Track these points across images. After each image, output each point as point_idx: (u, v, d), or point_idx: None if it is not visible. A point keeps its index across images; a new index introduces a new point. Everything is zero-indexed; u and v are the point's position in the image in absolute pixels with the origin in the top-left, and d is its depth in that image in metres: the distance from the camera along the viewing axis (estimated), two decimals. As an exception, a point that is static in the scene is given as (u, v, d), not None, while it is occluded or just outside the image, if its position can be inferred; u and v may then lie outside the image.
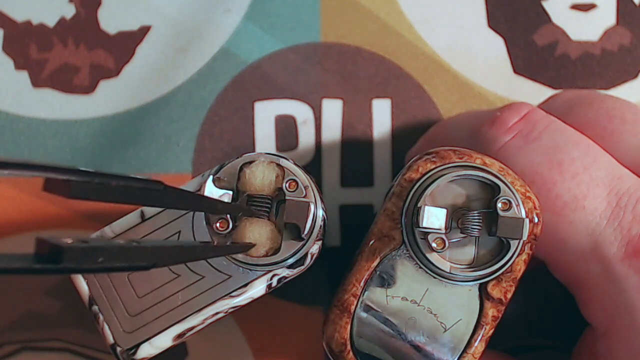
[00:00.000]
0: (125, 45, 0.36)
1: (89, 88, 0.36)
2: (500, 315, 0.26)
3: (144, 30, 0.36)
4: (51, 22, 0.36)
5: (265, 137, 0.36)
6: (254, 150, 0.35)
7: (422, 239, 0.25)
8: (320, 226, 0.26)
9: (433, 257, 0.25)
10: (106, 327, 0.26)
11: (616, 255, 0.26)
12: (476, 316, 0.26)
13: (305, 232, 0.25)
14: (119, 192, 0.19)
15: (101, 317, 0.26)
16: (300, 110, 0.36)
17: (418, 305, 0.26)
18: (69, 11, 0.36)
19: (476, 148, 0.27)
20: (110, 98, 0.36)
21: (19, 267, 0.17)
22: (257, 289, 0.26)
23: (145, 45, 0.36)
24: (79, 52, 0.36)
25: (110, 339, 0.26)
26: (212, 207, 0.24)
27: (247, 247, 0.25)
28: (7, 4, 0.36)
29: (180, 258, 0.21)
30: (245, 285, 0.26)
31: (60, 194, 0.19)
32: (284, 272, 0.26)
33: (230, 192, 0.25)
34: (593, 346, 0.28)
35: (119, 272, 0.20)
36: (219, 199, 0.25)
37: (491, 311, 0.26)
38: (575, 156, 0.26)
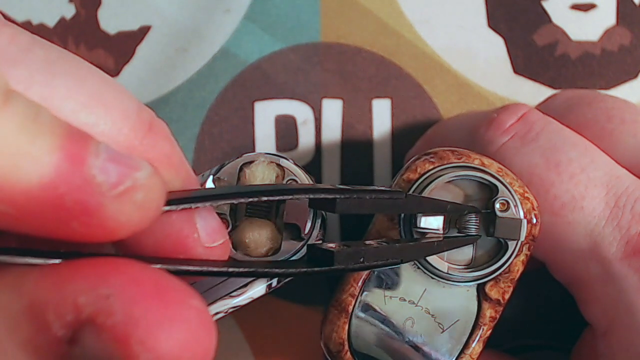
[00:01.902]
0: (125, 45, 0.36)
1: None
2: (498, 316, 0.26)
3: (144, 30, 0.36)
4: (51, 22, 0.36)
5: (265, 137, 0.36)
6: (254, 150, 0.35)
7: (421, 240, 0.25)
8: (320, 226, 0.26)
9: (431, 257, 0.25)
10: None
11: (615, 255, 0.26)
12: (474, 317, 0.26)
13: (305, 232, 0.25)
14: (372, 204, 0.22)
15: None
16: (300, 110, 0.36)
17: (416, 306, 0.26)
18: (69, 11, 0.36)
19: (474, 149, 0.27)
20: (110, 98, 0.36)
21: (303, 271, 0.21)
22: (257, 289, 0.26)
23: (145, 45, 0.36)
24: (79, 52, 0.36)
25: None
26: (443, 208, 0.25)
27: (475, 239, 0.26)
28: (7, 4, 0.36)
29: (421, 253, 0.24)
30: (245, 285, 0.26)
31: (327, 210, 0.22)
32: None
33: (231, 192, 0.25)
34: (593, 346, 0.28)
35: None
36: (445, 200, 0.26)
37: (489, 312, 0.26)
38: (573, 157, 0.26)
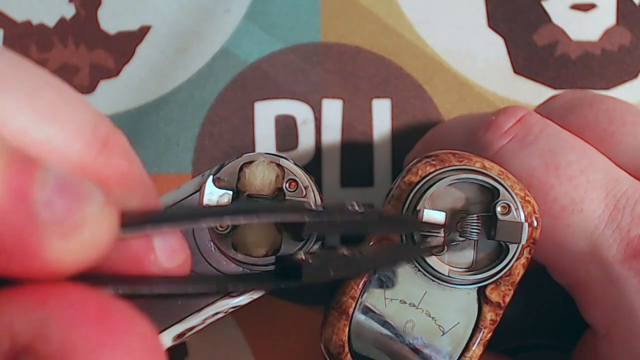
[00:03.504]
0: (125, 45, 0.36)
1: (89, 88, 0.36)
2: (498, 319, 0.26)
3: (144, 30, 0.36)
4: (51, 22, 0.36)
5: (265, 137, 0.36)
6: (254, 150, 0.35)
7: (421, 241, 0.25)
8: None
9: (432, 260, 0.25)
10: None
11: (615, 257, 0.26)
12: (474, 320, 0.26)
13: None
14: (344, 225, 0.22)
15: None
16: (300, 110, 0.36)
17: (416, 308, 0.26)
18: (69, 11, 0.36)
19: (473, 152, 0.27)
20: (110, 98, 0.36)
21: (268, 286, 0.20)
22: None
23: (145, 45, 0.36)
24: (79, 52, 0.36)
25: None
26: (419, 227, 0.25)
27: (446, 244, 0.25)
28: (7, 4, 0.36)
29: (394, 262, 0.24)
30: (245, 285, 0.26)
31: (295, 232, 0.22)
32: (283, 273, 0.26)
33: (230, 192, 0.25)
34: (594, 348, 0.28)
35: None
36: (415, 217, 0.25)
37: (489, 315, 0.26)
38: (572, 159, 0.26)
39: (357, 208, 0.22)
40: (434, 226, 0.25)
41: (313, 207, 0.21)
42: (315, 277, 0.20)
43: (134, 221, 0.18)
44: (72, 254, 0.16)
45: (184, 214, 0.19)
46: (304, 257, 0.21)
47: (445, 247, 0.25)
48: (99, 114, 0.19)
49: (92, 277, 0.17)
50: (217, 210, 0.21)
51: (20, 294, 0.16)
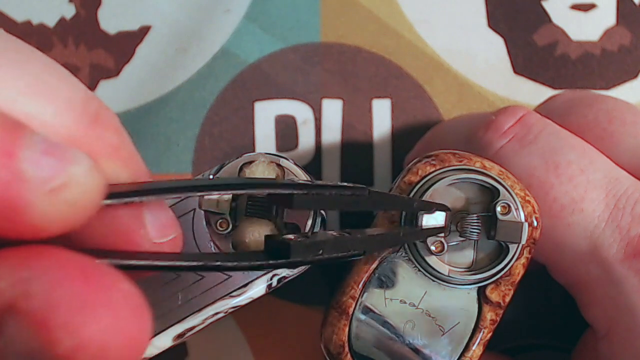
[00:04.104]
0: (125, 45, 0.36)
1: (88, 88, 0.36)
2: (498, 319, 0.26)
3: (144, 30, 0.36)
4: (51, 22, 0.36)
5: (265, 137, 0.36)
6: (254, 150, 0.35)
7: (421, 242, 0.25)
8: (321, 225, 0.26)
9: (432, 260, 0.25)
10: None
11: (616, 257, 0.26)
12: (474, 320, 0.26)
13: (306, 231, 0.25)
14: (332, 200, 0.21)
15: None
16: (300, 110, 0.36)
17: (416, 308, 0.26)
18: (69, 11, 0.36)
19: (473, 152, 0.27)
20: (110, 98, 0.36)
21: (257, 264, 0.20)
22: (257, 289, 0.26)
23: (145, 45, 0.36)
24: (79, 52, 0.36)
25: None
26: (410, 205, 0.25)
27: (439, 230, 0.25)
28: (7, 4, 0.36)
29: (386, 244, 0.23)
30: (245, 285, 0.26)
31: (284, 205, 0.21)
32: (284, 272, 0.26)
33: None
34: (594, 348, 0.28)
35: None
36: (416, 198, 0.25)
37: (489, 315, 0.26)
38: (572, 159, 0.26)
39: (345, 184, 0.22)
40: (427, 205, 0.25)
41: (301, 182, 0.21)
42: (303, 255, 0.20)
43: (123, 192, 0.18)
44: (57, 212, 0.16)
45: (173, 186, 0.19)
46: (293, 237, 0.21)
47: (446, 248, 0.25)
48: (88, 91, 0.20)
49: (80, 249, 0.17)
50: (206, 183, 0.20)
51: (2, 255, 0.16)
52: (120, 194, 0.18)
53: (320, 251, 0.21)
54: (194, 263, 0.19)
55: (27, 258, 0.16)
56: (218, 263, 0.20)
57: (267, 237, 0.22)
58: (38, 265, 0.16)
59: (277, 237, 0.21)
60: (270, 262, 0.20)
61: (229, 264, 0.20)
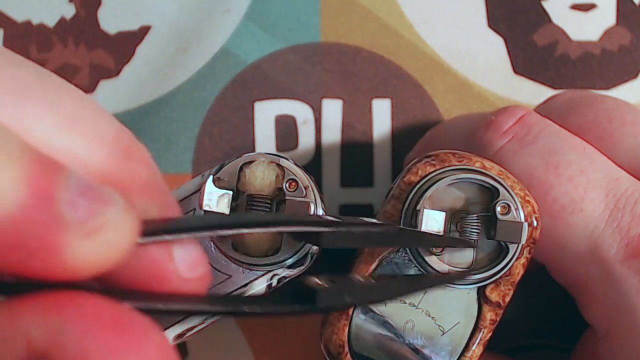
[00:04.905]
0: (125, 45, 0.36)
1: (89, 88, 0.36)
2: (498, 319, 0.26)
3: (144, 30, 0.36)
4: (51, 22, 0.36)
5: (265, 137, 0.36)
6: (254, 150, 0.35)
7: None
8: (342, 217, 0.26)
9: (432, 260, 0.25)
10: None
11: (615, 257, 0.26)
12: (474, 319, 0.26)
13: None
14: (361, 237, 0.22)
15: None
16: (300, 110, 0.36)
17: (416, 308, 0.26)
18: (69, 11, 0.36)
19: (473, 152, 0.27)
20: (110, 98, 0.36)
21: (285, 311, 0.20)
22: (257, 289, 0.26)
23: (145, 45, 0.36)
24: (79, 52, 0.36)
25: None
26: (439, 242, 0.25)
27: (463, 274, 0.25)
28: (7, 4, 0.36)
29: (409, 290, 0.23)
30: (245, 285, 0.26)
31: (312, 243, 0.22)
32: (284, 272, 0.26)
33: (230, 192, 0.25)
34: (594, 348, 0.28)
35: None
36: (435, 232, 0.25)
37: (489, 315, 0.26)
38: (572, 159, 0.26)
39: (374, 221, 0.22)
40: (452, 241, 0.25)
41: (330, 219, 0.21)
42: (329, 302, 0.20)
43: (154, 229, 0.18)
44: (92, 255, 0.16)
45: (203, 224, 0.20)
46: (319, 282, 0.21)
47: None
48: (121, 126, 0.20)
49: (110, 290, 0.17)
50: (236, 221, 0.21)
51: (36, 301, 0.16)
52: (153, 231, 0.18)
53: (346, 298, 0.21)
54: (222, 308, 0.19)
55: (60, 306, 0.16)
56: (246, 309, 0.20)
57: (291, 281, 0.22)
58: (70, 313, 0.16)
59: (303, 281, 0.21)
60: (297, 309, 0.20)
61: (258, 309, 0.20)
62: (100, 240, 0.16)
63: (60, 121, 0.18)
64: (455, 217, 0.25)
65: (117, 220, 0.16)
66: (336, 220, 0.21)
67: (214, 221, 0.21)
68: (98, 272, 0.16)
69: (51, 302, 0.16)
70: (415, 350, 0.26)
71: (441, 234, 0.25)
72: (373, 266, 0.26)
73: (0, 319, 0.15)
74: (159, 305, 0.18)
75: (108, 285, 0.18)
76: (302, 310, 0.20)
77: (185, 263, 0.19)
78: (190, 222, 0.20)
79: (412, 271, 0.26)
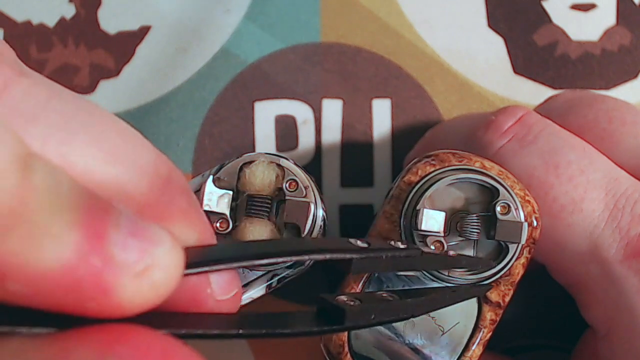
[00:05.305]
0: (125, 45, 0.36)
1: (89, 88, 0.36)
2: (498, 319, 0.26)
3: (144, 30, 0.36)
4: (51, 22, 0.36)
5: (265, 137, 0.36)
6: (254, 150, 0.35)
7: (420, 241, 0.25)
8: (320, 226, 0.26)
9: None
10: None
11: (615, 257, 0.26)
12: (474, 319, 0.26)
13: (305, 232, 0.25)
14: (388, 262, 0.22)
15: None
16: (300, 110, 0.36)
17: (416, 308, 0.26)
18: (69, 11, 0.36)
19: (473, 152, 0.27)
20: (110, 98, 0.36)
21: (314, 330, 0.20)
22: (257, 289, 0.26)
23: (145, 45, 0.36)
24: (79, 52, 0.36)
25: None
26: (458, 264, 0.25)
27: (484, 290, 0.25)
28: (7, 4, 0.36)
29: (431, 307, 0.23)
30: (245, 285, 0.26)
31: (342, 269, 0.21)
32: (284, 272, 0.26)
33: (230, 192, 0.25)
34: (594, 348, 0.28)
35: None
36: (462, 256, 0.25)
37: (489, 314, 0.26)
38: (572, 159, 0.26)
39: (399, 245, 0.23)
40: (472, 261, 0.25)
41: (359, 245, 0.21)
42: (357, 321, 0.21)
43: (195, 261, 0.19)
44: (143, 294, 0.16)
45: (240, 254, 0.20)
46: (346, 300, 0.21)
47: (445, 247, 0.25)
48: (159, 153, 0.20)
49: (152, 316, 0.17)
50: (271, 251, 0.21)
51: (88, 335, 0.16)
52: (194, 263, 0.19)
53: (373, 316, 0.21)
54: (256, 331, 0.20)
55: (110, 340, 0.16)
56: (278, 331, 0.20)
57: (318, 298, 0.22)
58: (121, 348, 0.16)
59: (330, 300, 0.21)
60: (325, 328, 0.21)
61: (288, 331, 0.20)
62: (150, 279, 0.16)
63: (104, 153, 0.18)
64: (455, 217, 0.25)
65: (166, 259, 0.16)
66: (365, 246, 0.22)
67: (250, 251, 0.21)
68: (145, 310, 0.17)
69: (102, 336, 0.16)
70: (415, 350, 0.26)
71: (441, 234, 0.25)
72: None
73: (53, 355, 0.16)
74: (199, 330, 0.18)
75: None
76: (331, 330, 0.21)
77: (221, 286, 0.20)
78: (227, 251, 0.20)
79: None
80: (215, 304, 0.20)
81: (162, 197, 0.19)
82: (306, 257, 0.21)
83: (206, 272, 0.19)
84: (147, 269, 0.16)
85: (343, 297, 0.21)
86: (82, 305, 0.16)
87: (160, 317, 0.18)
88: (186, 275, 0.18)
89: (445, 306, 0.24)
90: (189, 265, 0.18)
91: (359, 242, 0.22)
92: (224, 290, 0.20)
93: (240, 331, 0.19)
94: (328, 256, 0.21)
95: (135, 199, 0.19)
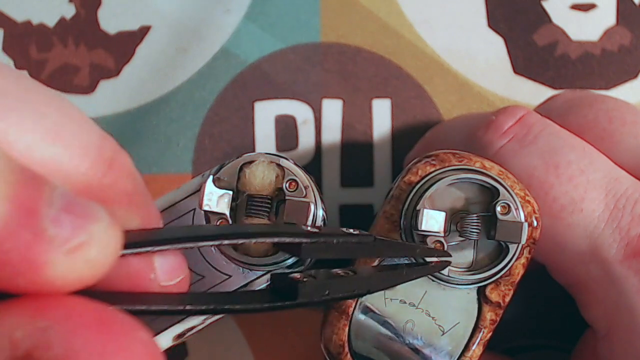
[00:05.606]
0: (125, 45, 0.36)
1: (89, 88, 0.36)
2: (498, 319, 0.26)
3: (144, 30, 0.36)
4: (51, 22, 0.36)
5: (265, 137, 0.36)
6: (254, 150, 0.35)
7: (421, 241, 0.25)
8: (320, 226, 0.26)
9: (432, 260, 0.25)
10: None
11: (615, 257, 0.26)
12: (474, 319, 0.26)
13: (305, 232, 0.25)
14: (339, 248, 0.22)
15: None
16: (300, 110, 0.36)
17: (416, 308, 0.26)
18: (69, 11, 0.36)
19: (473, 152, 0.27)
20: (110, 98, 0.36)
21: (265, 307, 0.20)
22: (257, 289, 0.26)
23: (145, 45, 0.36)
24: (79, 52, 0.36)
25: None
26: (412, 251, 0.25)
27: (444, 265, 0.25)
28: (7, 4, 0.36)
29: (389, 283, 0.24)
30: (245, 285, 0.26)
31: (292, 254, 0.22)
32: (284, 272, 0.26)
33: (230, 192, 0.25)
34: (594, 348, 0.28)
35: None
36: (417, 244, 0.25)
37: (489, 315, 0.26)
38: (572, 159, 0.26)
39: (351, 231, 0.23)
40: (430, 251, 0.25)
41: (309, 229, 0.22)
42: (310, 296, 0.21)
43: (136, 241, 0.18)
44: (76, 271, 0.16)
45: (182, 235, 0.20)
46: (299, 277, 0.21)
47: (445, 247, 0.25)
48: (104, 134, 0.20)
49: (91, 293, 0.17)
50: (216, 233, 0.21)
51: (20, 304, 0.16)
52: (134, 244, 0.18)
53: (327, 292, 0.21)
54: (204, 307, 0.20)
55: (44, 307, 0.16)
56: (227, 307, 0.20)
57: (273, 275, 0.22)
58: (55, 314, 0.16)
59: (283, 276, 0.21)
60: (278, 304, 0.21)
61: (238, 306, 0.20)
62: (83, 257, 0.16)
63: (44, 132, 0.18)
64: (455, 217, 0.25)
65: (101, 237, 0.16)
66: (314, 231, 0.22)
67: (192, 233, 0.21)
68: (79, 287, 0.16)
69: (34, 303, 0.16)
70: (415, 350, 0.26)
71: (441, 234, 0.25)
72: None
73: None
74: (141, 306, 0.18)
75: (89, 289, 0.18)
76: (283, 306, 0.21)
77: (165, 272, 0.19)
78: (171, 233, 0.20)
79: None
80: (160, 290, 0.19)
81: (104, 179, 0.19)
82: (252, 239, 0.21)
83: (148, 252, 0.19)
84: (81, 245, 0.16)
85: (297, 275, 0.21)
86: (12, 281, 0.16)
87: (102, 295, 0.18)
88: (126, 255, 0.18)
89: (400, 283, 0.24)
90: (130, 245, 0.18)
91: (308, 228, 0.22)
92: (169, 275, 0.19)
93: (187, 307, 0.19)
94: (277, 239, 0.21)
95: (76, 178, 0.18)
